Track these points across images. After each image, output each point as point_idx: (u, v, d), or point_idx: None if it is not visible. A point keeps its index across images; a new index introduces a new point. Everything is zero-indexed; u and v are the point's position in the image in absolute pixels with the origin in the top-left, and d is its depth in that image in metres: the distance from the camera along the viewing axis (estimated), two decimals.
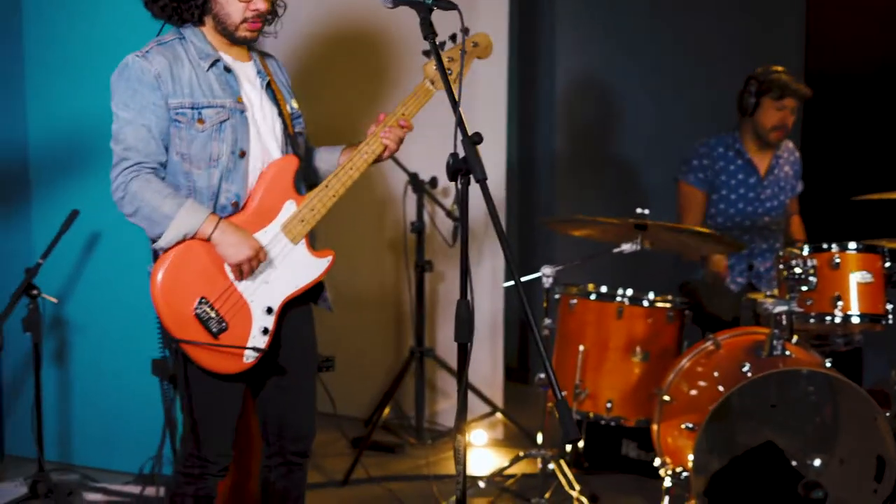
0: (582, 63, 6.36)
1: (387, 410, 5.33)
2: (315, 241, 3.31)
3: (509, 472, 4.80)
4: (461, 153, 2.68)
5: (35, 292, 4.36)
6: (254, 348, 3.13)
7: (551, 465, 4.49)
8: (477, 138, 2.68)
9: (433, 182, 5.23)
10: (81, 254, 4.87)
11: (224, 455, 3.26)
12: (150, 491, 4.48)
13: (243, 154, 3.17)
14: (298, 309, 3.31)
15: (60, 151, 4.96)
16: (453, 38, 3.33)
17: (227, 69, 3.19)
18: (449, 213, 5.11)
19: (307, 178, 3.38)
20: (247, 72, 3.26)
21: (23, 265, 4.49)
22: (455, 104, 2.74)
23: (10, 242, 5.04)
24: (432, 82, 3.33)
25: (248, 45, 3.29)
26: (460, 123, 2.68)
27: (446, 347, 5.57)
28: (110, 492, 4.61)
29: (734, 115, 5.10)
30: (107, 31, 4.80)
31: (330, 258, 3.29)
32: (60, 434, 5.00)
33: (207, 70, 3.15)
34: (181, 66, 3.12)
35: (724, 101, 5.33)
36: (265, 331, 3.17)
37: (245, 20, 3.17)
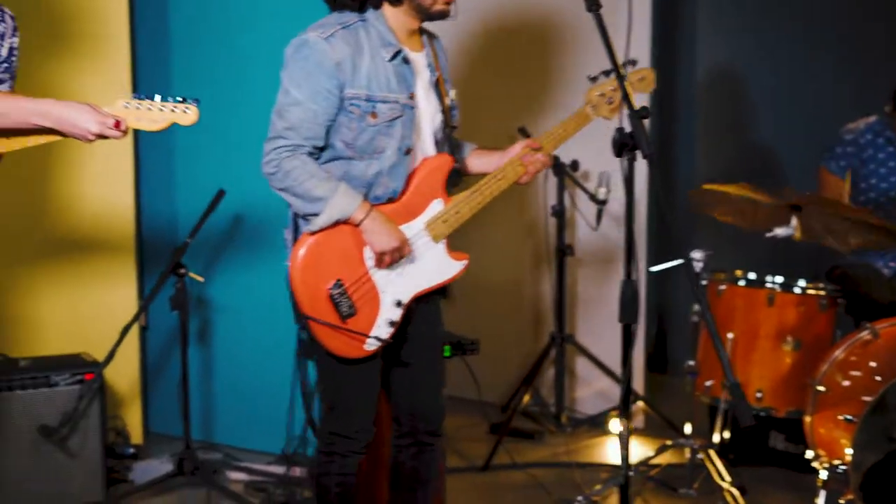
0: (723, 54, 6.21)
1: (527, 397, 5.27)
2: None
3: (653, 461, 4.70)
4: (627, 128, 2.60)
5: (182, 271, 4.40)
6: (377, 338, 3.11)
7: (699, 456, 4.38)
8: (643, 112, 2.60)
9: (574, 165, 5.15)
10: (223, 234, 4.91)
11: (365, 430, 3.24)
12: (294, 471, 4.49)
13: (408, 151, 3.14)
14: (428, 299, 3.28)
15: (203, 131, 5.00)
16: (607, 73, 3.26)
17: (406, 60, 3.12)
18: (593, 197, 5.02)
19: None
20: (420, 63, 3.19)
21: (167, 244, 4.56)
22: (620, 78, 2.66)
23: (156, 221, 5.11)
24: (593, 108, 3.28)
25: (422, 30, 3.21)
26: (626, 98, 2.61)
27: (586, 333, 5.49)
28: (254, 471, 4.63)
29: (877, 104, 4.91)
30: (249, 7, 4.84)
31: (465, 262, 3.26)
32: (203, 412, 5.05)
33: (388, 61, 3.09)
34: (361, 56, 3.05)
35: (867, 90, 5.16)
36: (391, 323, 3.14)
37: None
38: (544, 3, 5.45)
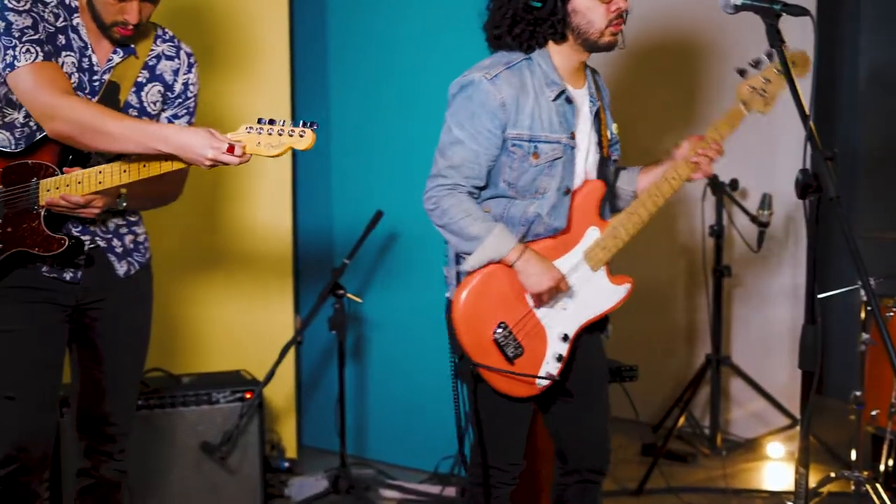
0: (889, 56, 6.00)
1: (682, 419, 5.18)
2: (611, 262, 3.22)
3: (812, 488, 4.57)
4: (811, 169, 2.51)
5: (340, 292, 4.44)
6: (546, 376, 3.08)
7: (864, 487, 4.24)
8: (829, 154, 2.51)
9: (733, 184, 5.04)
10: (378, 252, 4.94)
11: (517, 463, 3.21)
12: (448, 491, 4.49)
13: (568, 191, 3.10)
14: (590, 329, 3.22)
15: (359, 152, 5.05)
16: (755, 65, 3.15)
17: (569, 100, 3.08)
18: (754, 219, 4.90)
19: (609, 201, 3.29)
20: (582, 99, 3.15)
21: (323, 264, 4.59)
22: (805, 118, 2.57)
23: (313, 241, 5.17)
24: (745, 104, 3.16)
25: (584, 64, 3.17)
26: (811, 138, 2.52)
27: (741, 355, 5.38)
28: (406, 490, 4.65)
29: None
30: (407, 33, 4.86)
31: (628, 286, 3.20)
32: (356, 428, 5.09)
33: (552, 101, 3.06)
34: (526, 96, 3.02)
35: None
36: (559, 357, 3.10)
37: (609, 23, 3.03)
38: (686, 11, 5.36)
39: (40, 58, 2.89)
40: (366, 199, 4.87)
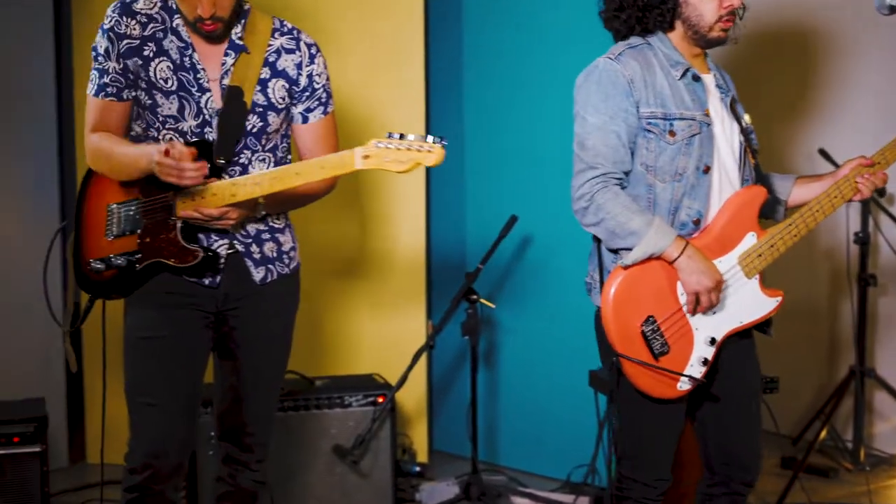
0: None
1: (824, 432, 5.01)
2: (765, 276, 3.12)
3: None
4: None
5: (474, 297, 4.40)
6: (690, 377, 2.99)
7: None
8: None
9: (881, 191, 4.85)
10: (512, 257, 4.89)
11: (663, 479, 3.11)
12: (581, 501, 4.42)
13: (707, 170, 3.01)
14: (742, 336, 3.12)
15: (493, 157, 5.01)
16: None
17: (696, 78, 3.04)
18: None
19: None
20: (710, 84, 3.10)
21: (455, 269, 4.56)
22: None
23: (445, 247, 5.16)
24: None
25: (705, 55, 3.12)
26: None
27: (887, 367, 5.18)
28: (538, 498, 4.59)
29: None
30: (541, 35, 4.81)
31: (779, 299, 3.10)
32: (488, 434, 5.06)
33: (679, 79, 3.01)
34: (653, 73, 2.99)
35: None
36: (704, 361, 3.01)
37: (719, 19, 2.99)
38: (817, 8, 5.19)
39: (91, 91, 3.04)
40: (499, 204, 4.84)
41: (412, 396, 4.99)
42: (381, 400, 4.33)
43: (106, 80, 3.01)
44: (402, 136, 2.79)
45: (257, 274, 3.12)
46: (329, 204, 4.68)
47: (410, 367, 4.34)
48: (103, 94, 3.03)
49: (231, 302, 3.11)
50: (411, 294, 4.96)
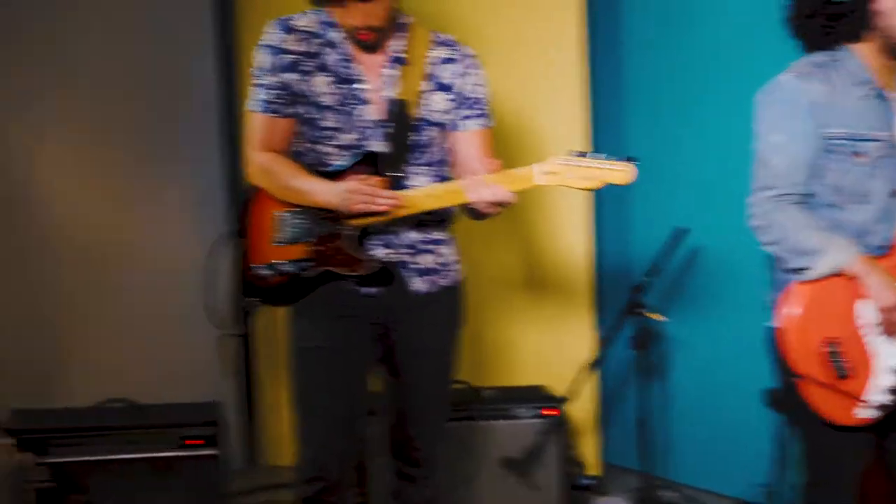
0: None
1: None
2: None
3: None
4: None
5: (641, 310, 4.32)
6: (877, 405, 2.84)
7: None
8: None
9: None
10: (681, 269, 4.78)
11: None
12: None
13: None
14: None
15: (659, 170, 4.91)
16: None
17: (882, 97, 2.88)
18: None
19: None
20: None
21: (622, 282, 4.48)
22: None
23: (612, 260, 5.10)
24: None
25: None
26: None
27: None
28: None
29: None
30: (706, 47, 4.71)
31: None
32: (660, 449, 4.95)
33: (865, 98, 2.87)
34: (838, 92, 2.85)
35: None
36: (890, 390, 2.85)
37: None
38: None
39: (252, 107, 3.08)
40: (667, 216, 4.74)
41: (582, 409, 4.92)
42: (549, 412, 4.28)
43: (267, 96, 3.05)
44: (582, 154, 2.77)
45: (417, 284, 3.11)
46: (509, 219, 4.72)
47: (580, 381, 4.27)
48: (264, 110, 3.06)
49: (392, 314, 3.10)
50: (577, 305, 4.91)
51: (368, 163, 2.98)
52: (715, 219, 4.65)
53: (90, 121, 4.78)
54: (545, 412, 4.28)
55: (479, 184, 2.86)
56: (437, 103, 3.07)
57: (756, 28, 4.43)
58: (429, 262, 3.13)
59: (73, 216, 4.75)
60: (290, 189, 3.04)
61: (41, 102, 4.66)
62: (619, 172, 2.77)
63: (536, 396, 4.41)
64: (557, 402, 4.31)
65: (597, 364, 4.48)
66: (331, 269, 3.01)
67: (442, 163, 3.15)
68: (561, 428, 4.30)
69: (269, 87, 3.04)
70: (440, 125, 3.09)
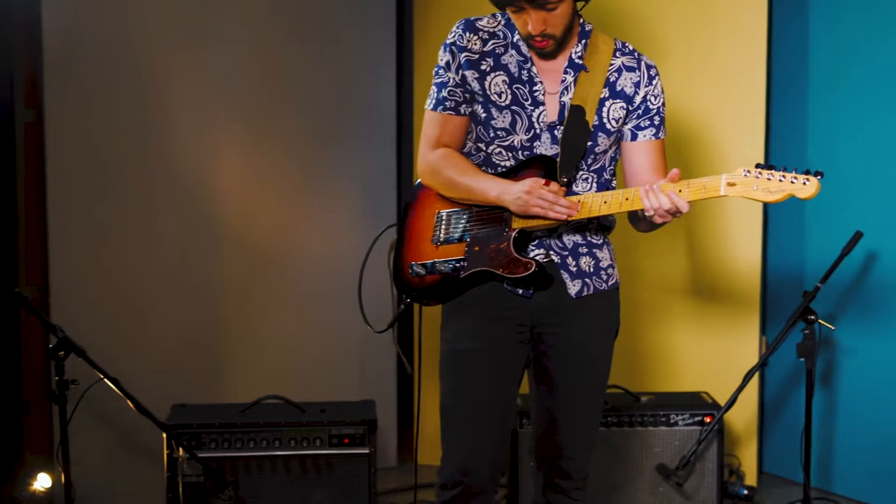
0: None
1: None
2: None
3: None
4: None
5: (812, 317, 4.15)
6: None
7: None
8: None
9: None
10: (856, 275, 4.60)
11: None
12: None
13: None
14: None
15: (837, 172, 4.73)
16: None
17: None
18: None
19: None
20: None
21: (793, 289, 4.34)
22: None
23: (783, 266, 4.95)
24: None
25: None
26: None
27: None
28: None
29: None
30: (890, 37, 4.52)
31: None
32: (822, 459, 4.79)
33: None
34: None
35: None
36: None
37: None
38: None
39: (429, 105, 3.08)
40: (842, 219, 4.58)
41: (742, 416, 4.79)
42: (708, 420, 4.17)
43: (444, 93, 3.05)
44: (770, 167, 2.73)
45: (572, 287, 3.04)
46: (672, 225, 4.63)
47: (741, 388, 4.14)
48: (441, 107, 3.06)
49: (546, 316, 3.05)
50: (744, 311, 4.77)
51: (538, 166, 2.95)
52: (891, 224, 4.47)
53: (264, 122, 4.82)
54: (703, 419, 4.17)
55: (657, 192, 2.80)
56: (612, 112, 3.03)
57: None
58: (585, 265, 3.06)
59: (244, 215, 4.80)
60: (460, 186, 3.02)
61: (224, 111, 4.72)
62: (804, 186, 2.72)
63: (695, 403, 4.30)
64: (716, 409, 4.19)
65: (757, 371, 4.33)
66: (489, 269, 2.97)
67: (609, 172, 3.10)
68: (718, 436, 4.18)
69: (446, 85, 3.05)
70: (609, 134, 3.03)
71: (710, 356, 4.76)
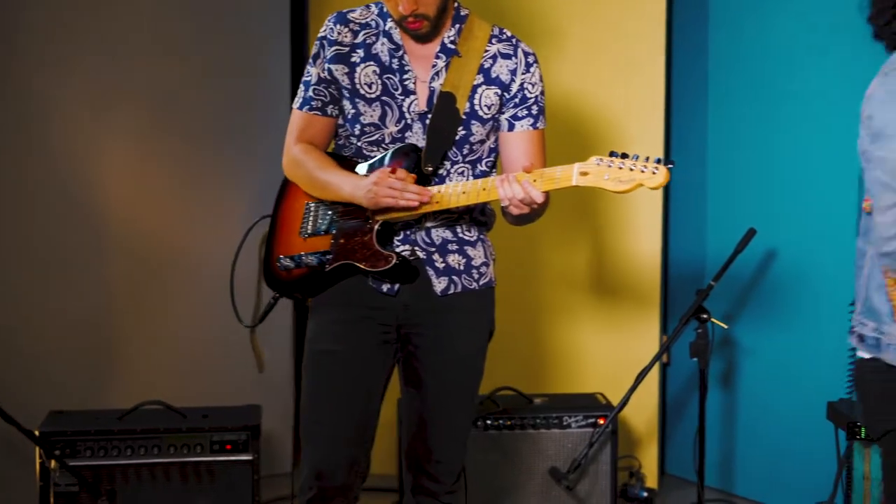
0: None
1: None
2: None
3: None
4: None
5: (704, 316, 4.10)
6: None
7: None
8: None
9: None
10: (753, 273, 4.56)
11: None
12: None
13: None
14: None
15: (739, 171, 4.70)
16: None
17: None
18: None
19: None
20: None
21: (695, 287, 4.28)
22: None
23: (684, 265, 4.92)
24: None
25: None
26: None
27: None
28: None
29: None
30: (786, 43, 4.50)
31: None
32: (721, 460, 4.75)
33: None
34: None
35: None
36: None
37: None
38: None
39: (296, 104, 3.02)
40: (741, 216, 4.53)
41: (642, 417, 4.74)
42: (601, 421, 4.10)
43: (311, 92, 2.98)
44: (624, 156, 2.63)
45: (438, 284, 2.94)
46: (559, 213, 4.55)
47: (633, 389, 4.07)
48: (308, 107, 2.99)
49: (413, 316, 2.95)
50: (644, 310, 4.73)
51: (408, 156, 2.86)
52: (792, 221, 4.46)
53: (147, 125, 4.69)
54: (597, 421, 4.11)
55: (511, 181, 2.72)
56: (484, 99, 2.93)
57: (833, 30, 4.26)
58: (453, 263, 2.97)
59: (127, 214, 4.66)
60: (317, 182, 2.95)
61: (106, 111, 4.58)
62: (653, 176, 2.60)
63: (589, 405, 4.24)
64: (609, 410, 4.12)
65: (648, 371, 4.27)
66: (351, 262, 2.89)
67: (488, 163, 3.01)
68: (612, 438, 4.12)
69: (312, 84, 2.98)
70: (483, 122, 2.94)
71: (610, 356, 4.71)
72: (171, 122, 4.71)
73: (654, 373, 4.72)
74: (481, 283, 3.02)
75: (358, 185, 2.85)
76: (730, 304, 4.62)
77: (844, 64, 4.20)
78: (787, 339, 4.52)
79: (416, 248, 2.94)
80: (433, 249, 2.95)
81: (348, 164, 2.97)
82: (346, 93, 2.95)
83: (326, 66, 2.94)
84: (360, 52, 2.93)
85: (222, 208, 4.80)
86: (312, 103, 2.98)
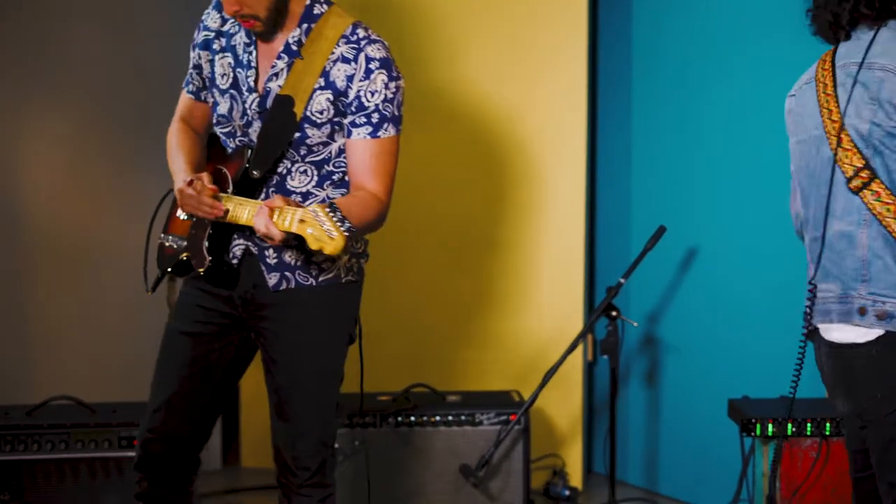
0: None
1: None
2: None
3: None
4: None
5: (614, 314, 4.11)
6: None
7: None
8: None
9: None
10: (676, 271, 4.56)
11: None
12: None
13: None
14: None
15: (658, 169, 4.70)
16: None
17: None
18: None
19: None
20: None
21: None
22: None
23: (610, 262, 4.91)
24: None
25: None
26: None
27: None
28: None
29: None
30: (707, 43, 4.50)
31: None
32: (647, 458, 4.75)
33: None
34: None
35: None
36: None
37: None
38: None
39: (184, 84, 3.09)
40: (664, 214, 4.51)
41: (567, 416, 4.73)
42: (512, 418, 4.11)
43: (188, 75, 3.07)
44: (332, 210, 2.55)
45: (270, 280, 2.92)
46: (480, 208, 4.56)
47: (541, 387, 4.09)
48: (186, 89, 3.08)
49: (253, 309, 2.94)
50: (567, 305, 4.72)
51: (244, 157, 2.85)
52: (713, 217, 4.47)
53: (71, 118, 4.71)
54: (509, 418, 4.11)
55: (261, 211, 2.67)
56: (320, 104, 2.85)
57: (758, 23, 4.26)
58: (288, 258, 2.92)
59: (45, 206, 4.68)
60: (170, 167, 3.02)
61: (28, 95, 4.62)
62: (331, 240, 2.53)
63: (502, 402, 4.24)
64: (521, 407, 4.12)
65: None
66: (185, 256, 2.93)
67: (333, 163, 2.93)
68: (524, 435, 4.12)
69: (191, 67, 3.05)
70: (324, 125, 2.87)
71: (533, 354, 4.69)
72: (92, 118, 4.76)
73: (579, 371, 4.71)
74: (319, 279, 2.94)
75: (177, 184, 2.92)
76: (653, 302, 4.63)
77: (765, 64, 4.20)
78: (709, 336, 4.52)
79: (250, 243, 2.92)
80: (266, 245, 2.90)
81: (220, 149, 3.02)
82: (206, 81, 3.00)
83: (197, 51, 3.00)
84: (223, 41, 2.95)
85: (140, 204, 4.75)
86: (189, 86, 3.06)
